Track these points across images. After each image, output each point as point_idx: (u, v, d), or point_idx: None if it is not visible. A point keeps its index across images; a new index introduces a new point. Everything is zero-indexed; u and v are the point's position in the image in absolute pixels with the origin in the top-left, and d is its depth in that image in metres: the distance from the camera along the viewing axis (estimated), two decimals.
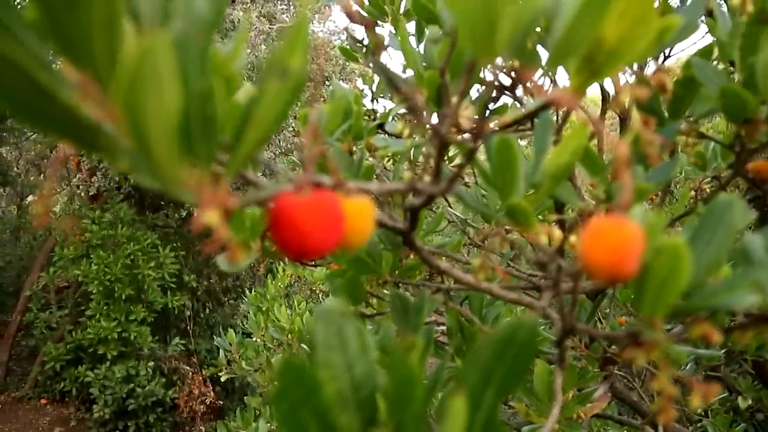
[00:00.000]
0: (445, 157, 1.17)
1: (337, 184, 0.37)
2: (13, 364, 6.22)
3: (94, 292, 5.18)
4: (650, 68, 0.60)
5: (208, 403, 5.08)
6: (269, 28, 5.19)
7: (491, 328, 0.90)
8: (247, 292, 3.17)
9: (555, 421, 0.67)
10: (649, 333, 0.40)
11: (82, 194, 5.67)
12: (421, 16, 0.91)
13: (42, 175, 6.11)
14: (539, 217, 0.79)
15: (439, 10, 0.86)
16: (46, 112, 0.28)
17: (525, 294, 0.92)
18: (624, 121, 1.52)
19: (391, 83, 0.40)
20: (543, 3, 0.31)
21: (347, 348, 0.42)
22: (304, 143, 0.34)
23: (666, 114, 0.73)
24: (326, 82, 5.48)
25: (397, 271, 0.87)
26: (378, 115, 1.23)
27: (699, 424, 1.71)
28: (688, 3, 0.53)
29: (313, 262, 1.14)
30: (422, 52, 0.84)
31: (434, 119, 0.84)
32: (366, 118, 1.08)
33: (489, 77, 0.88)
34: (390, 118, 1.00)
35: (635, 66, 0.78)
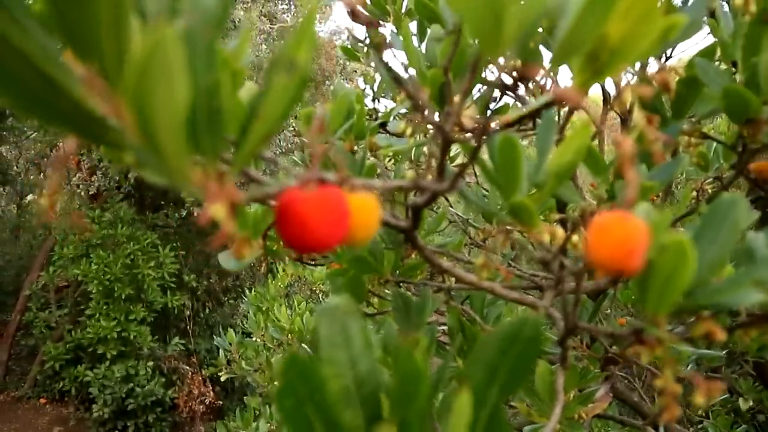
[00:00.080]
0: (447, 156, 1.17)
1: (343, 179, 0.37)
2: (13, 363, 6.21)
3: (93, 291, 5.18)
4: (652, 67, 0.61)
5: (207, 403, 5.07)
6: (270, 27, 5.19)
7: (493, 327, 0.90)
8: (247, 291, 3.17)
9: (557, 421, 0.67)
10: (652, 331, 0.40)
11: (82, 193, 5.67)
12: (423, 16, 0.91)
13: (42, 174, 6.11)
14: (541, 216, 0.79)
15: (441, 9, 0.86)
16: (55, 106, 0.28)
17: (526, 294, 0.92)
18: (625, 121, 1.53)
19: (395, 81, 0.40)
20: (548, 1, 0.31)
21: (351, 345, 0.42)
22: (310, 139, 0.34)
23: (669, 114, 0.73)
24: (326, 81, 5.48)
25: (398, 271, 0.88)
26: (379, 114, 1.24)
27: (700, 426, 1.71)
28: (691, 2, 0.53)
29: (314, 261, 1.14)
30: (424, 51, 0.84)
31: (436, 118, 0.84)
32: (367, 117, 1.08)
33: (492, 77, 0.88)
34: (391, 117, 1.00)
35: (637, 65, 0.79)
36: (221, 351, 3.05)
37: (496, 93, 1.01)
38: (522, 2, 0.29)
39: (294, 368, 0.36)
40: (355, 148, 0.93)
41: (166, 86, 0.22)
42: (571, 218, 0.53)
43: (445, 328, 1.09)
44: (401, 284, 0.93)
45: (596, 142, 1.15)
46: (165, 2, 0.32)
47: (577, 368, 1.07)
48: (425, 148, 1.37)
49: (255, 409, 3.06)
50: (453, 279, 1.08)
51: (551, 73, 0.45)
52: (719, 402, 1.76)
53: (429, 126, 0.80)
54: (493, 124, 0.80)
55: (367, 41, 1.56)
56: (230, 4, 0.31)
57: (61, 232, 5.56)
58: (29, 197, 6.97)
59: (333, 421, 0.39)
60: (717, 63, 0.71)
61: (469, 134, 0.53)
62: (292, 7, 5.92)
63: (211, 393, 5.19)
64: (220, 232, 0.28)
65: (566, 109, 0.77)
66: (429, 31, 0.92)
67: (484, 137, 0.35)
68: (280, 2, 5.86)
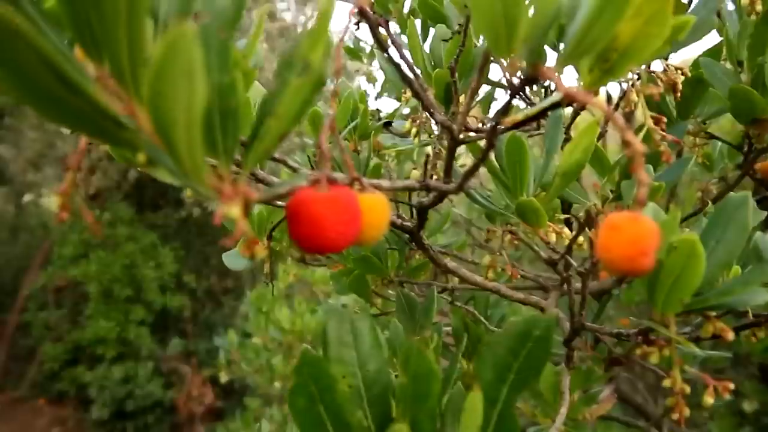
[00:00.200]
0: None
1: (353, 179, 0.37)
2: (11, 364, 6.20)
3: (92, 291, 5.17)
4: (657, 67, 0.61)
5: (207, 404, 5.06)
6: (270, 26, 5.20)
7: (498, 328, 0.90)
8: (247, 292, 3.16)
9: (563, 421, 0.67)
10: (661, 331, 0.40)
11: (82, 193, 5.65)
12: (426, 15, 0.91)
13: (39, 173, 6.10)
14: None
15: (446, 8, 0.86)
16: (69, 105, 0.28)
17: (529, 294, 0.92)
18: (628, 121, 1.52)
19: (404, 81, 0.40)
20: (562, 1, 0.31)
21: (361, 344, 0.42)
22: (320, 139, 0.34)
23: (674, 114, 0.73)
24: (328, 81, 5.46)
25: (402, 271, 0.88)
26: (381, 114, 1.24)
27: (704, 426, 1.71)
28: (697, 2, 0.53)
29: (317, 262, 1.14)
30: (427, 50, 0.84)
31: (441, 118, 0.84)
32: (370, 117, 1.08)
33: (500, 77, 0.87)
34: (396, 117, 1.00)
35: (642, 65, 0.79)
36: (222, 352, 3.04)
37: (497, 93, 1.01)
38: (534, 4, 0.29)
39: (306, 367, 0.36)
40: (359, 147, 0.93)
41: (185, 86, 0.22)
42: (578, 218, 0.53)
43: (447, 329, 1.08)
44: (404, 284, 0.93)
45: (600, 142, 1.15)
46: (179, 3, 0.32)
47: (581, 369, 1.07)
48: (428, 149, 1.37)
49: (255, 410, 3.06)
50: (456, 279, 1.08)
51: (559, 74, 0.45)
52: (724, 404, 1.76)
53: (434, 126, 0.80)
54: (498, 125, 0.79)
55: (370, 41, 1.57)
56: (244, 2, 0.31)
57: (60, 233, 5.55)
58: (27, 197, 6.96)
59: (343, 421, 0.39)
60: (723, 62, 0.71)
61: (474, 134, 0.53)
62: (293, 5, 5.93)
63: (211, 394, 5.18)
64: (234, 232, 0.28)
65: (571, 109, 0.77)
66: (432, 30, 0.93)
67: (496, 137, 0.35)
68: (280, 1, 5.87)
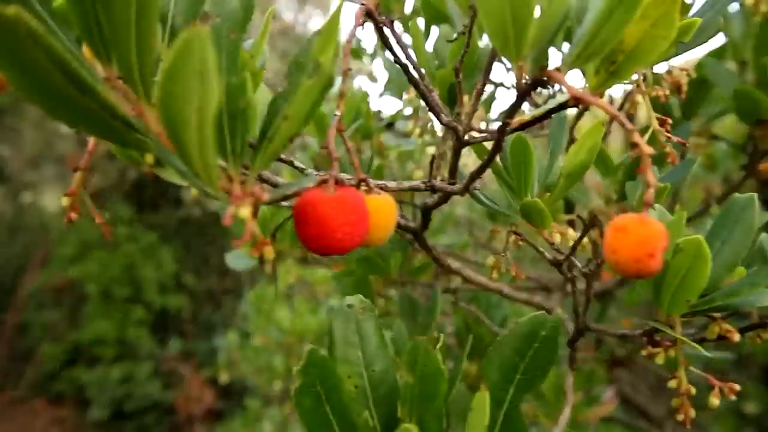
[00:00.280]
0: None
1: (360, 180, 0.37)
2: (10, 364, 6.18)
3: (91, 292, 5.16)
4: (661, 69, 0.61)
5: (206, 405, 5.05)
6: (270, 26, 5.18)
7: (500, 328, 0.90)
8: (247, 292, 3.15)
9: (566, 423, 0.67)
10: (667, 332, 0.40)
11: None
12: (429, 16, 0.91)
13: (38, 172, 6.08)
14: None
15: (449, 9, 0.86)
16: (81, 105, 0.28)
17: (532, 295, 0.92)
18: (630, 122, 1.53)
19: (411, 81, 0.40)
20: (570, 4, 0.31)
21: (367, 345, 0.42)
22: (329, 140, 0.34)
23: (678, 115, 0.73)
24: None
25: (406, 271, 0.88)
26: (382, 115, 1.24)
27: (707, 428, 1.71)
28: (704, 3, 0.53)
29: (319, 261, 1.14)
30: (429, 51, 0.84)
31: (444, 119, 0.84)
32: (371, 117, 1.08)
33: (502, 78, 0.87)
34: (398, 118, 1.00)
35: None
36: (222, 352, 3.04)
37: (497, 94, 1.01)
38: (542, 6, 0.29)
39: (313, 367, 0.36)
40: (361, 148, 0.93)
41: (198, 86, 0.22)
42: (583, 219, 0.53)
43: (448, 329, 1.08)
44: (405, 285, 0.93)
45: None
46: (188, 5, 0.32)
47: (583, 370, 1.07)
48: (429, 149, 1.37)
49: (255, 411, 3.05)
50: (457, 280, 1.08)
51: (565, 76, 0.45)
52: (725, 405, 1.76)
53: (437, 127, 0.80)
54: (497, 125, 0.79)
55: (372, 41, 1.56)
56: (253, 4, 0.31)
57: (59, 232, 5.54)
58: (26, 196, 6.95)
59: (349, 422, 0.39)
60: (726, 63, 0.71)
61: (480, 135, 0.53)
62: (294, 4, 5.93)
63: (210, 395, 5.17)
64: (242, 233, 0.28)
65: (574, 111, 0.77)
66: (433, 31, 0.93)
67: (501, 138, 0.35)
68: (279, 0, 5.87)
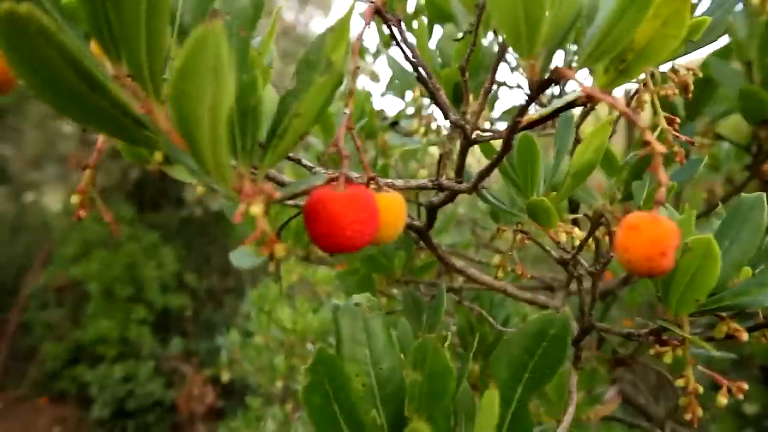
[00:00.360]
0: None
1: (370, 179, 0.37)
2: (12, 363, 6.19)
3: (93, 291, 5.17)
4: (666, 67, 0.60)
5: (207, 403, 5.06)
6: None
7: (505, 327, 0.90)
8: (248, 292, 3.16)
9: (570, 421, 0.67)
10: (675, 331, 0.40)
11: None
12: (433, 15, 0.91)
13: (40, 172, 6.10)
14: None
15: (453, 8, 0.86)
16: (91, 103, 0.28)
17: (535, 294, 0.92)
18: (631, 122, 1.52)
19: (419, 79, 0.40)
20: (582, 3, 0.31)
21: (374, 343, 0.42)
22: (338, 138, 0.34)
23: (682, 114, 0.73)
24: None
25: (410, 270, 0.88)
26: (385, 113, 1.24)
27: (707, 428, 1.71)
28: (712, 2, 0.53)
29: (321, 260, 1.14)
30: (431, 50, 0.84)
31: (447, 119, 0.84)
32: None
33: (505, 77, 0.87)
34: (401, 117, 1.00)
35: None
36: (224, 351, 3.04)
37: (499, 93, 1.01)
38: (554, 5, 0.29)
39: (322, 366, 0.36)
40: (364, 147, 0.93)
41: (211, 83, 0.22)
42: (590, 218, 0.53)
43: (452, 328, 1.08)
44: (408, 284, 0.93)
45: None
46: (197, 3, 0.32)
47: (585, 369, 1.07)
48: (432, 148, 1.37)
49: (257, 410, 3.06)
50: (461, 279, 1.08)
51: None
52: (725, 406, 1.75)
53: (442, 125, 0.80)
54: (502, 125, 0.79)
55: (374, 40, 1.56)
56: (263, 4, 0.31)
57: (61, 232, 5.55)
58: (28, 196, 6.96)
59: (357, 420, 0.39)
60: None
61: (487, 134, 0.53)
62: (295, 4, 5.94)
63: (211, 394, 5.18)
64: (255, 230, 0.28)
65: (579, 110, 0.77)
66: (436, 30, 0.92)
67: (511, 137, 0.35)
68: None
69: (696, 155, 0.80)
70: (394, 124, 0.92)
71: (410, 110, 1.05)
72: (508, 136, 0.34)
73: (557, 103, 0.39)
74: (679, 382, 0.41)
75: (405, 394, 0.41)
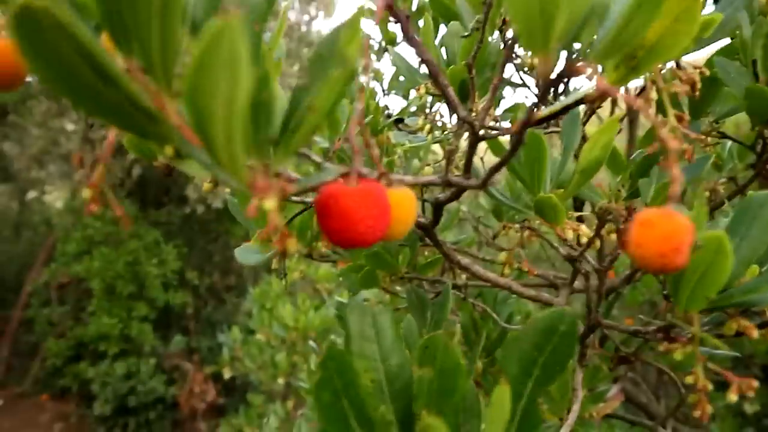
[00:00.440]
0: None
1: (381, 174, 0.37)
2: (14, 360, 6.21)
3: (95, 288, 5.18)
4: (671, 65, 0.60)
5: (208, 400, 5.08)
6: (273, 24, 5.18)
7: (507, 325, 0.90)
8: (249, 289, 3.17)
9: (575, 419, 0.67)
10: (684, 328, 0.40)
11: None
12: (438, 12, 0.91)
13: (43, 170, 6.11)
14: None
15: (458, 6, 0.86)
16: (105, 97, 0.28)
17: (539, 291, 0.92)
18: (633, 121, 1.52)
19: (431, 76, 0.40)
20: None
21: (383, 339, 0.42)
22: (350, 133, 0.34)
23: (686, 112, 0.73)
24: None
25: (415, 267, 0.88)
26: (389, 110, 1.24)
27: (706, 428, 1.71)
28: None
29: (325, 257, 1.14)
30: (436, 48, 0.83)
31: (452, 117, 0.84)
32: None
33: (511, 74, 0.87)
34: (406, 114, 1.00)
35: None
36: (225, 348, 3.05)
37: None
38: (571, 1, 0.29)
39: (331, 362, 0.36)
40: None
41: (227, 77, 0.22)
42: (599, 215, 0.53)
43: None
44: (412, 281, 0.93)
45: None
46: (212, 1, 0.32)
47: (588, 367, 1.07)
48: (436, 146, 1.37)
49: (258, 407, 3.07)
50: (464, 276, 1.08)
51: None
52: (725, 405, 1.76)
53: (447, 122, 0.80)
54: (506, 122, 0.79)
55: (377, 38, 1.56)
56: None
57: (63, 229, 5.56)
58: (31, 194, 6.97)
59: (366, 416, 0.39)
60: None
61: (495, 131, 0.53)
62: (296, 3, 5.93)
63: (213, 391, 5.19)
64: (267, 225, 0.29)
65: (583, 107, 0.77)
66: (441, 27, 0.92)
67: (523, 134, 0.35)
68: None
69: (699, 154, 0.80)
70: (398, 121, 0.92)
71: (412, 108, 1.05)
72: (520, 132, 0.34)
73: (567, 100, 0.39)
74: (689, 379, 0.42)
75: (413, 390, 0.41)
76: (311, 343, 1.89)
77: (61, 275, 5.63)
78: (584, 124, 0.69)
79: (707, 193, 1.06)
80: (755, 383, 0.37)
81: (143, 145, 0.54)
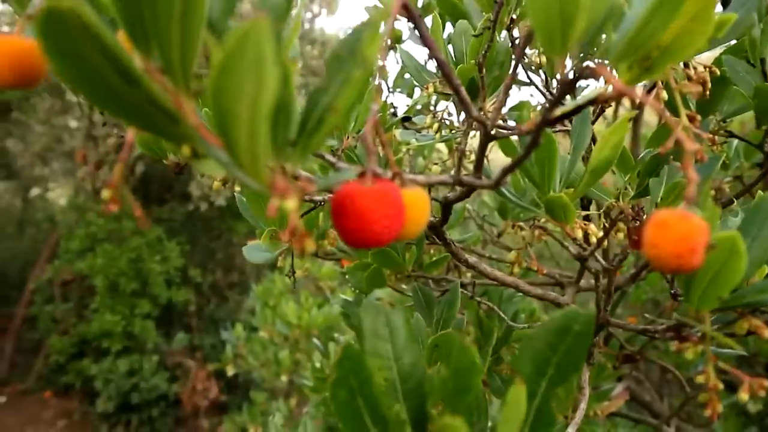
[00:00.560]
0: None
1: (395, 174, 0.37)
2: (18, 357, 6.24)
3: (98, 285, 5.20)
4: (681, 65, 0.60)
5: (211, 398, 5.10)
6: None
7: (512, 323, 0.90)
8: (252, 287, 3.18)
9: (582, 417, 0.68)
10: (696, 326, 0.40)
11: (88, 187, 5.69)
12: (445, 11, 0.91)
13: (47, 167, 6.13)
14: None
15: (467, 5, 0.86)
16: (127, 97, 0.28)
17: (546, 290, 0.92)
18: (637, 120, 1.52)
19: (444, 74, 0.40)
20: (614, 1, 0.31)
21: (396, 337, 0.43)
22: (366, 133, 0.34)
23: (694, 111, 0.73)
24: None
25: (421, 265, 0.88)
26: (395, 109, 1.24)
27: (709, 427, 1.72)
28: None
29: (330, 255, 1.14)
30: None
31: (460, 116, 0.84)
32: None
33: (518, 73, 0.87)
34: (413, 112, 1.00)
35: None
36: (228, 346, 3.06)
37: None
38: (591, 2, 0.29)
39: (347, 361, 0.37)
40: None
41: (255, 78, 0.22)
42: (611, 215, 0.53)
43: None
44: (418, 279, 0.94)
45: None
46: (224, 1, 0.32)
47: (593, 365, 1.07)
48: (440, 145, 1.37)
49: (261, 404, 3.08)
50: (469, 274, 1.09)
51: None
52: (728, 404, 1.76)
53: (455, 121, 0.80)
54: (511, 121, 0.79)
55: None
56: None
57: (67, 227, 5.58)
58: (34, 191, 6.99)
59: (380, 415, 0.40)
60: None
61: (506, 131, 0.53)
62: (297, 3, 5.92)
63: (215, 388, 5.21)
64: (288, 226, 0.29)
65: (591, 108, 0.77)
66: (448, 26, 0.92)
67: (539, 134, 0.35)
68: None
69: (708, 153, 0.80)
70: (405, 119, 0.92)
71: (418, 106, 1.05)
72: (536, 132, 0.34)
73: (580, 99, 0.39)
74: (700, 379, 0.42)
75: (426, 389, 0.41)
76: (314, 340, 1.90)
77: (64, 272, 5.65)
78: (592, 123, 0.69)
79: (713, 192, 1.06)
80: (767, 383, 0.38)
81: (155, 143, 0.54)
